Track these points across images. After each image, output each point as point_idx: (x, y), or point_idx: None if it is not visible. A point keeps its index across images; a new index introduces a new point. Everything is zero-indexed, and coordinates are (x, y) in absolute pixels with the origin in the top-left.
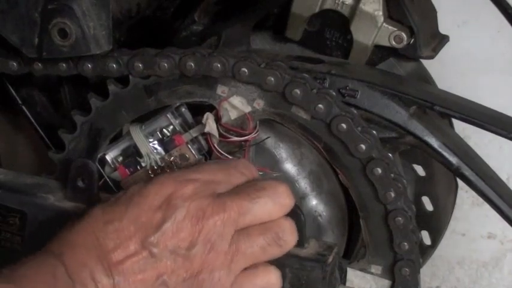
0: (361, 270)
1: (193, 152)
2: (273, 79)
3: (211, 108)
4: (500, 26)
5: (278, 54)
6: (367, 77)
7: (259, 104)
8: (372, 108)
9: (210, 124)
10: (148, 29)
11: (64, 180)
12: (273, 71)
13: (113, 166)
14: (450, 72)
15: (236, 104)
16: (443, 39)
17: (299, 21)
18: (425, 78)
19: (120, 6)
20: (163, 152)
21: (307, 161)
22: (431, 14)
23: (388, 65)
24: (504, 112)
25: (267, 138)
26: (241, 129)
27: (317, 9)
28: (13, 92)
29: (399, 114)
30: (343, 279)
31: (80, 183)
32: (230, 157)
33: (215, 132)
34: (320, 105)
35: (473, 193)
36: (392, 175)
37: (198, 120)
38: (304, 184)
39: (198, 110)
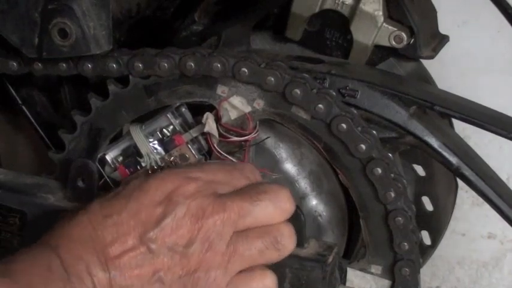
0: (361, 270)
1: (193, 152)
2: (273, 79)
3: (211, 108)
4: (500, 26)
5: (278, 54)
6: (367, 77)
7: (259, 104)
8: (372, 108)
9: (209, 124)
10: (148, 29)
11: (64, 180)
12: (273, 71)
13: (113, 166)
14: (450, 72)
15: (236, 104)
16: (443, 39)
17: (299, 21)
18: (425, 78)
19: (120, 6)
20: (163, 152)
21: (307, 161)
22: (431, 14)
23: (388, 65)
24: (504, 112)
25: (267, 138)
26: (241, 129)
27: (317, 9)
28: (13, 92)
29: (399, 114)
30: (343, 279)
31: (80, 183)
32: (230, 157)
33: (215, 132)
34: (320, 105)
35: (473, 193)
36: (392, 175)
37: (198, 120)
38: (304, 184)
39: (198, 110)
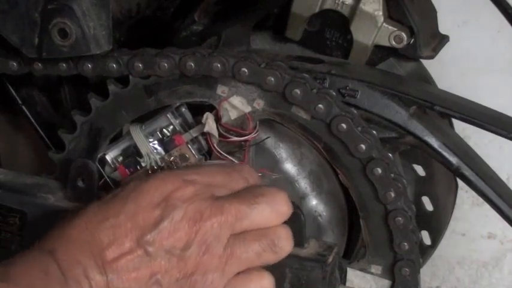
0: (361, 270)
1: (193, 152)
2: (273, 79)
3: (211, 108)
4: (500, 26)
5: (278, 54)
6: (367, 77)
7: (259, 104)
8: (372, 108)
9: (209, 124)
10: (148, 29)
11: (64, 180)
12: (273, 71)
13: (113, 166)
14: (450, 72)
15: (236, 104)
16: (443, 39)
17: (299, 21)
18: (425, 78)
19: (120, 6)
20: (163, 152)
21: (307, 161)
22: (431, 14)
23: (388, 65)
24: (504, 112)
25: (267, 138)
26: (241, 129)
27: (317, 9)
28: (13, 92)
29: (399, 114)
30: (343, 279)
31: (80, 183)
32: (230, 157)
33: (215, 132)
34: (320, 105)
35: (473, 193)
36: (392, 175)
37: (198, 120)
38: (304, 184)
39: (198, 110)
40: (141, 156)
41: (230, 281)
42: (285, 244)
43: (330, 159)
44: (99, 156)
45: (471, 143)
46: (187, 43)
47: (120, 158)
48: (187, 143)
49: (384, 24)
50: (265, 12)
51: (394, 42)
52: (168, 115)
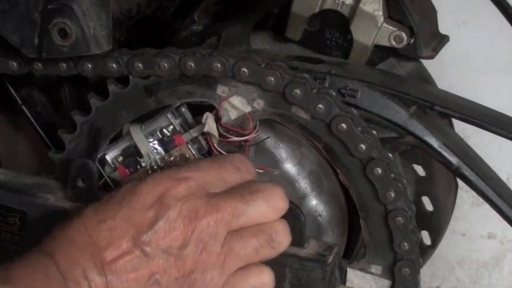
0: (361, 270)
1: (193, 152)
2: (273, 79)
3: (211, 108)
4: (500, 26)
5: (278, 54)
6: (367, 77)
7: (259, 104)
8: (372, 108)
9: (209, 124)
10: (148, 29)
11: (64, 180)
12: (273, 71)
13: (113, 166)
14: (450, 72)
15: (236, 104)
16: (443, 39)
17: (299, 21)
18: (425, 78)
19: (120, 6)
20: (163, 152)
21: (307, 161)
22: (431, 14)
23: (388, 65)
24: (504, 112)
25: (267, 138)
26: (241, 129)
27: (317, 9)
28: (13, 92)
29: (399, 114)
30: (343, 279)
31: (80, 183)
32: None
33: (215, 132)
34: (320, 105)
35: (473, 193)
36: (392, 175)
37: (198, 120)
38: (304, 184)
39: (198, 110)
40: (141, 156)
41: (230, 278)
42: (282, 238)
43: (330, 159)
44: (99, 156)
45: (471, 143)
46: (187, 43)
47: (120, 158)
48: (187, 143)
49: (384, 24)
50: (265, 12)
51: (394, 42)
52: (168, 115)
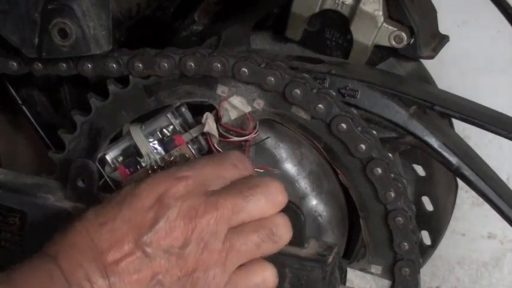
0: (361, 270)
1: (193, 152)
2: (273, 79)
3: (211, 108)
4: (500, 26)
5: (278, 54)
6: (367, 77)
7: (259, 104)
8: (372, 108)
9: (209, 124)
10: (148, 29)
11: (64, 180)
12: (273, 71)
13: (113, 166)
14: (450, 72)
15: (236, 104)
16: (443, 39)
17: (299, 21)
18: (425, 78)
19: (120, 6)
20: (163, 152)
21: (307, 161)
22: (431, 14)
23: (388, 65)
24: (504, 112)
25: (267, 138)
26: (241, 129)
27: (317, 9)
28: (13, 92)
29: (399, 114)
30: (343, 279)
31: (80, 183)
32: None
33: (215, 132)
34: (320, 105)
35: (473, 193)
36: (392, 175)
37: (198, 120)
38: (304, 184)
39: (198, 110)
40: (141, 156)
41: (232, 275)
42: (283, 232)
43: (330, 159)
44: (99, 156)
45: (471, 143)
46: (187, 43)
47: (120, 158)
48: (187, 143)
49: (384, 24)
50: (265, 12)
51: (394, 42)
52: (168, 115)
